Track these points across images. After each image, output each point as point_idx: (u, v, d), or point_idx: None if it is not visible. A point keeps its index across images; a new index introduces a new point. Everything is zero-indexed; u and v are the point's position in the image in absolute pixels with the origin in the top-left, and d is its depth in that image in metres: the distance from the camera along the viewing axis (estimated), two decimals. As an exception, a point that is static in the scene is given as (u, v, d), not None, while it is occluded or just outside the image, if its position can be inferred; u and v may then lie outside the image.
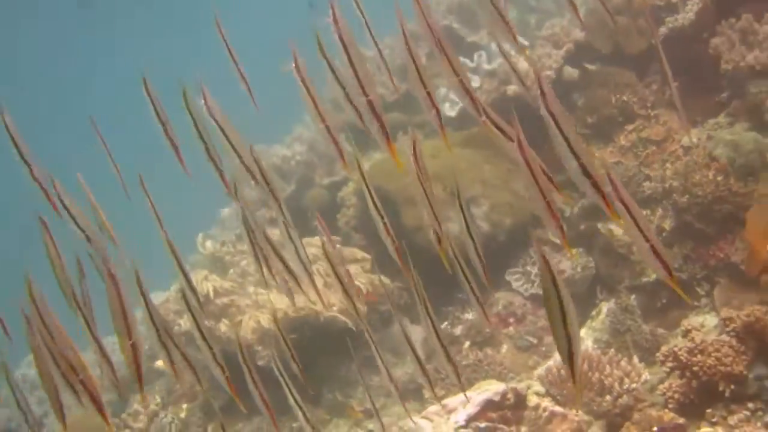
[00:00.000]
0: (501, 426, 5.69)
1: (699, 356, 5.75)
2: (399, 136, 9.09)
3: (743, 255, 6.65)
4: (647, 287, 7.26)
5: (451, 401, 6.05)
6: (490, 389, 5.95)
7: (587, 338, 7.36)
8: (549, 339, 7.46)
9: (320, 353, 7.92)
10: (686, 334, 6.28)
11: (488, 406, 5.79)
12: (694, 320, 7.02)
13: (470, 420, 5.67)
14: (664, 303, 7.22)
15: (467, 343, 7.54)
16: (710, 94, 7.94)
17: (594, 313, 7.54)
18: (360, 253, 8.51)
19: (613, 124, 8.21)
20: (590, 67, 8.58)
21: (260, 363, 7.58)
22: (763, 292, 5.05)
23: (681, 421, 5.61)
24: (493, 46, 8.75)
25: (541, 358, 7.42)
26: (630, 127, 8.12)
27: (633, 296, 7.32)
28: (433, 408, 6.08)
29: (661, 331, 7.08)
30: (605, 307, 7.45)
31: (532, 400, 6.15)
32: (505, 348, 7.54)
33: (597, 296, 7.62)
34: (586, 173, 3.05)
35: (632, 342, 6.97)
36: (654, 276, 7.21)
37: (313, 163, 9.69)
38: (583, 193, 7.50)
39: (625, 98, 8.14)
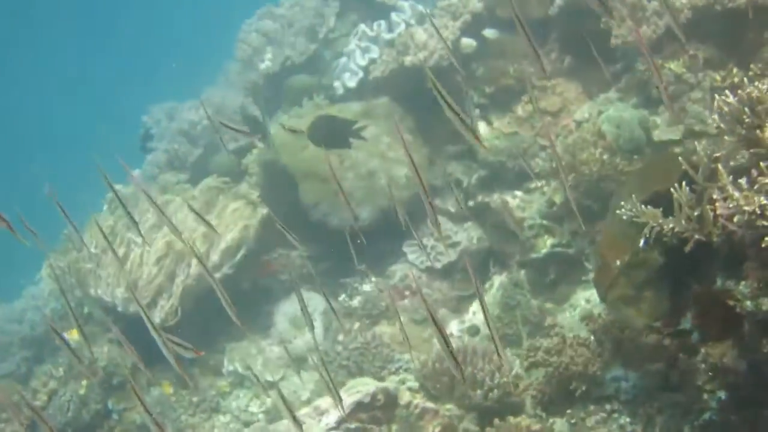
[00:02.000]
0: (371, 426, 5.97)
1: (555, 356, 6.05)
2: (304, 102, 9.22)
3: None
4: (537, 263, 7.55)
5: (323, 402, 6.31)
6: (361, 390, 6.21)
7: (478, 312, 7.67)
8: (442, 312, 7.75)
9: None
10: (549, 330, 6.60)
11: (359, 407, 6.06)
12: (581, 295, 7.36)
13: (341, 422, 5.94)
14: (552, 278, 7.49)
15: (357, 324, 7.77)
16: (606, 66, 8.14)
17: (487, 286, 7.82)
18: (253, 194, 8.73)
19: (511, 94, 8.40)
20: (489, 35, 8.74)
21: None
22: (611, 308, 5.31)
23: (537, 428, 5.86)
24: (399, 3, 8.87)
25: (435, 330, 7.68)
26: (525, 98, 8.32)
27: (523, 271, 7.60)
28: (305, 410, 6.33)
29: (549, 305, 7.40)
30: (497, 281, 7.74)
31: (405, 396, 6.42)
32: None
33: (490, 269, 7.87)
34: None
35: (521, 317, 7.26)
36: (543, 251, 7.50)
37: (219, 128, 9.78)
38: (480, 164, 7.82)
39: (522, 68, 8.33)
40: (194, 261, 7.81)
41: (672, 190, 4.31)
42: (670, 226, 4.20)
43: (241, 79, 10.92)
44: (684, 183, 4.35)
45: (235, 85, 11.30)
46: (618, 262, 4.97)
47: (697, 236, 4.15)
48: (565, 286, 7.50)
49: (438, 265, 7.98)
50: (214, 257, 8.04)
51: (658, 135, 7.24)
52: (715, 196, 4.14)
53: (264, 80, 10.63)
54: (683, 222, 4.21)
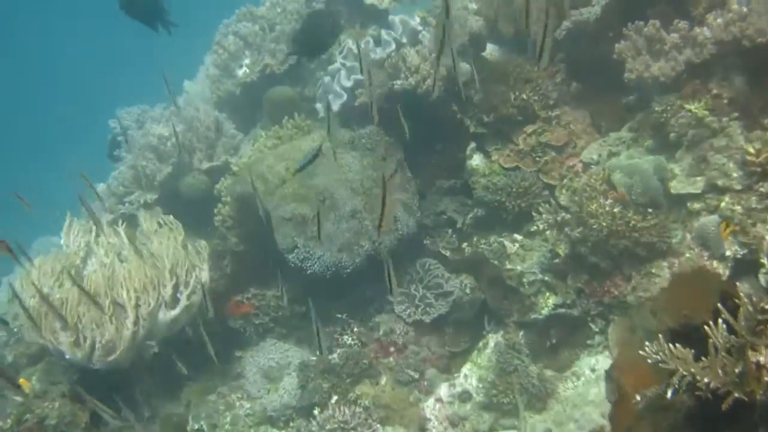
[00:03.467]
0: None
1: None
2: (284, 122, 8.58)
3: (637, 297, 6.41)
4: (537, 324, 7.00)
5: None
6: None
7: (471, 376, 7.10)
8: (430, 373, 7.18)
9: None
10: None
11: None
12: (585, 361, 6.78)
13: None
14: (554, 343, 6.91)
15: (335, 398, 7.15)
16: (616, 97, 7.52)
17: (481, 345, 7.27)
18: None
19: (512, 124, 7.76)
20: (489, 56, 8.07)
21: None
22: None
23: None
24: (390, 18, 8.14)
25: (422, 394, 7.13)
26: (529, 129, 7.69)
27: (521, 333, 7.01)
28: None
29: (549, 373, 6.82)
30: (492, 341, 7.15)
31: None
32: (384, 380, 7.22)
33: (485, 327, 7.28)
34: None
35: (519, 384, 6.68)
36: (544, 312, 6.91)
37: (191, 145, 9.11)
38: (476, 202, 7.19)
39: (525, 96, 7.69)
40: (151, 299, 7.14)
41: (705, 328, 3.63)
42: (705, 380, 3.54)
43: (216, 87, 10.22)
44: (720, 320, 3.69)
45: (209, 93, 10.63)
46: (638, 398, 4.32)
47: (737, 394, 3.49)
48: (568, 350, 6.95)
49: (427, 319, 7.35)
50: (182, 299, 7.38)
51: (675, 187, 6.60)
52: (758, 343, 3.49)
53: (240, 89, 9.95)
54: (720, 372, 3.56)
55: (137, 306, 7.06)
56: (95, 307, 6.92)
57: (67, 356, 6.96)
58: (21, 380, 7.38)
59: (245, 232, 8.08)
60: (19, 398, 7.24)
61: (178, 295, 7.39)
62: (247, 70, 9.94)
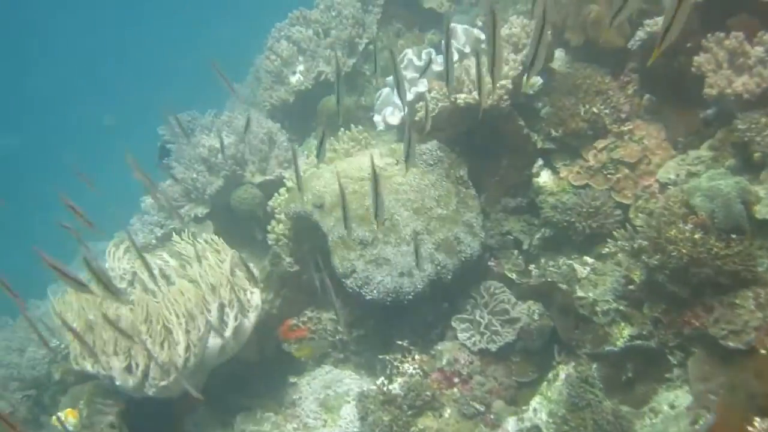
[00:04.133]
0: None
1: None
2: (339, 134, 8.30)
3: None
4: (611, 357, 6.63)
5: None
6: None
7: (541, 410, 6.77)
8: (497, 405, 6.86)
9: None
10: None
11: None
12: (664, 397, 6.43)
13: None
14: (630, 376, 6.56)
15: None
16: (692, 110, 7.13)
17: (551, 376, 6.94)
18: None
19: (582, 138, 7.40)
20: (558, 68, 7.70)
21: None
22: None
23: None
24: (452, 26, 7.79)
25: (488, 428, 6.81)
26: (600, 144, 7.33)
27: (594, 365, 6.66)
28: None
29: (625, 409, 6.47)
30: (563, 372, 6.82)
31: None
32: (448, 413, 6.90)
33: (555, 357, 6.94)
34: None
35: (592, 420, 6.34)
36: (620, 344, 6.56)
37: (243, 157, 8.85)
38: (543, 221, 6.87)
39: (595, 110, 7.32)
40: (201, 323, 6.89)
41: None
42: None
43: (269, 94, 9.94)
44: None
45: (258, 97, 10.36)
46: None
47: None
48: (645, 385, 6.58)
49: (493, 347, 7.02)
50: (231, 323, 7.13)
51: (760, 211, 6.20)
52: None
53: (294, 97, 9.67)
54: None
55: (187, 332, 6.81)
56: (128, 340, 6.71)
57: (118, 383, 6.73)
58: (68, 410, 7.18)
59: (300, 252, 7.81)
60: None
61: (225, 319, 7.12)
62: (301, 77, 9.67)
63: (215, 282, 7.17)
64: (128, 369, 6.74)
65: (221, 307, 7.07)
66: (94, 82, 39.55)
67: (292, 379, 7.74)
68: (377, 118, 8.10)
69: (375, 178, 4.91)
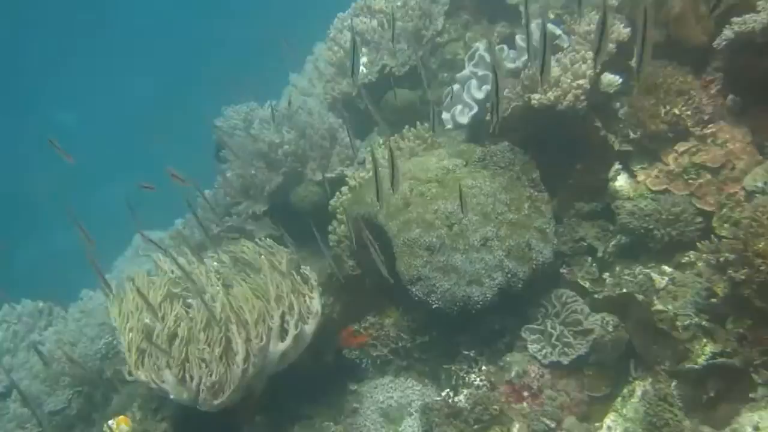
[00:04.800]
0: None
1: None
2: (404, 131, 8.06)
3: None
4: (692, 375, 6.31)
5: None
6: None
7: (616, 428, 6.50)
8: (569, 422, 6.60)
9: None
10: None
11: None
12: (747, 418, 6.12)
13: None
14: (711, 396, 6.24)
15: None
16: None
17: (626, 392, 6.65)
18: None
19: (662, 141, 7.08)
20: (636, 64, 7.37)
21: None
22: None
23: None
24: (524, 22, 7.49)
25: (560, 446, 6.56)
26: (681, 147, 7.00)
27: (674, 383, 6.36)
28: None
29: (706, 430, 6.18)
30: (639, 389, 6.53)
31: None
32: (516, 428, 6.65)
33: (631, 373, 6.65)
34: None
35: (670, 441, 6.07)
36: (701, 361, 6.26)
37: (304, 154, 8.62)
38: (619, 228, 6.59)
39: (676, 111, 6.99)
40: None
41: None
42: None
43: (331, 87, 9.72)
44: None
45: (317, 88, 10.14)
46: None
47: None
48: (727, 404, 6.25)
49: (565, 360, 6.75)
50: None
51: None
52: None
53: (357, 90, 9.43)
54: None
55: (248, 341, 6.61)
56: (164, 354, 6.52)
57: (172, 396, 6.54)
58: (121, 417, 7.02)
59: (363, 255, 7.57)
60: None
61: (285, 326, 6.91)
62: (364, 70, 9.41)
63: (275, 287, 6.95)
64: (183, 381, 6.52)
65: (282, 314, 6.85)
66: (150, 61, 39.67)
67: (353, 387, 7.52)
68: (446, 116, 7.84)
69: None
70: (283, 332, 6.88)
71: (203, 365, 6.48)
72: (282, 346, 6.84)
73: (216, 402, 6.47)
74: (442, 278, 6.64)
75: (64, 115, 37.60)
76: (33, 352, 11.86)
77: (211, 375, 6.44)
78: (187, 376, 6.49)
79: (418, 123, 8.26)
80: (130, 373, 6.71)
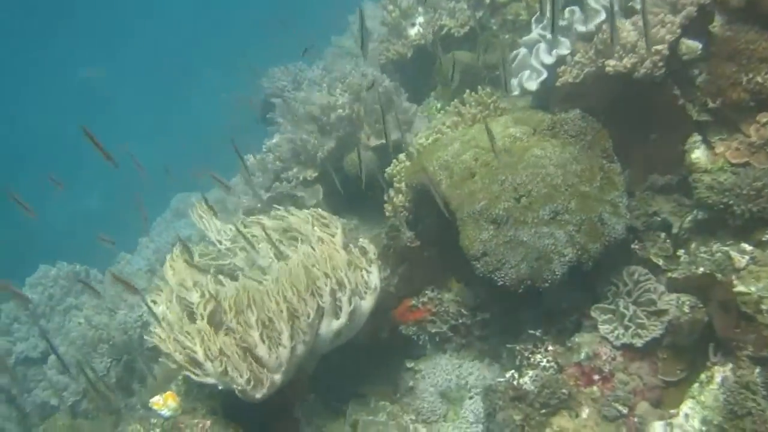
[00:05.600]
0: None
1: None
2: (465, 96, 7.72)
3: None
4: (777, 361, 5.97)
5: None
6: None
7: (693, 416, 6.18)
8: (642, 407, 6.31)
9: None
10: None
11: None
12: (839, 409, 5.82)
13: None
14: (800, 384, 5.94)
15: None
16: None
17: (704, 378, 6.31)
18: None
19: (743, 111, 6.70)
20: (717, 31, 6.99)
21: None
22: None
23: None
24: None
25: (631, 432, 6.26)
26: (764, 118, 6.63)
27: (757, 370, 6.03)
28: None
29: (791, 420, 5.84)
30: (719, 374, 6.20)
31: None
32: (585, 413, 6.35)
33: (710, 357, 6.32)
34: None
35: (753, 431, 5.75)
36: (790, 347, 5.94)
37: (359, 118, 8.31)
38: (696, 202, 6.26)
39: (759, 79, 6.60)
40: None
41: None
42: None
43: (385, 47, 9.39)
44: None
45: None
46: None
47: None
48: (817, 394, 5.92)
49: (638, 342, 6.44)
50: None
51: None
52: None
53: (412, 52, 9.09)
54: None
55: (294, 318, 6.31)
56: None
57: (220, 388, 6.27)
58: (168, 393, 6.76)
59: (422, 227, 7.28)
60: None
61: (339, 303, 6.61)
62: (421, 30, 9.06)
63: (327, 260, 6.66)
64: (226, 372, 6.23)
65: (334, 289, 6.55)
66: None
67: (409, 365, 7.26)
68: (514, 82, 7.47)
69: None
70: (337, 309, 6.59)
71: (244, 354, 6.19)
72: (336, 324, 6.56)
73: (260, 395, 6.20)
74: (508, 254, 6.32)
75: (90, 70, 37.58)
76: (69, 316, 11.71)
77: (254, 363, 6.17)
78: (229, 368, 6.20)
79: (479, 87, 7.92)
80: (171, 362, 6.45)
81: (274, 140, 9.09)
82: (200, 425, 6.50)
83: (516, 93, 7.48)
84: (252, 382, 6.13)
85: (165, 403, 6.67)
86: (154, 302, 6.83)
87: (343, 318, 6.58)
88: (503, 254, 6.34)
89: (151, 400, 6.77)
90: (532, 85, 7.25)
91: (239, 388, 6.10)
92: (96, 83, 36.99)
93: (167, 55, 37.78)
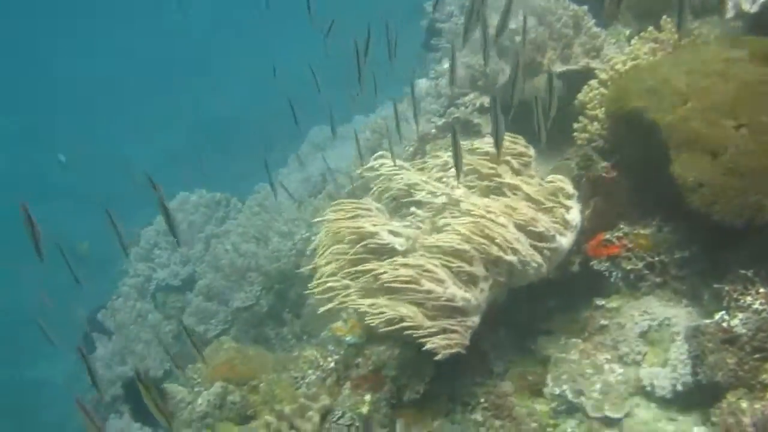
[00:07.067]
0: None
1: None
2: (662, 23, 7.29)
3: None
4: None
5: None
6: None
7: None
8: None
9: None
10: None
11: None
12: None
13: None
14: None
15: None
16: None
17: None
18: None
19: None
20: None
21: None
22: None
23: None
24: None
25: None
26: None
27: None
28: None
29: None
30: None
31: None
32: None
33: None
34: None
35: None
36: None
37: (543, 42, 7.90)
38: None
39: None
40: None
41: None
42: None
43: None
44: None
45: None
46: None
47: None
48: None
49: None
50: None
51: None
52: None
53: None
54: None
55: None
56: None
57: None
58: (352, 321, 6.52)
59: (621, 157, 6.89)
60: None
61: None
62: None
63: (529, 194, 6.36)
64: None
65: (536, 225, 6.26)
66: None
67: (599, 302, 6.90)
68: (731, 3, 7.01)
69: None
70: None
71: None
72: (535, 263, 6.27)
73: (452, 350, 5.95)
74: (729, 185, 5.89)
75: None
76: (210, 244, 11.62)
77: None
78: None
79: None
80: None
81: (444, 65, 8.76)
82: (388, 353, 6.28)
83: (729, 15, 7.01)
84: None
85: (350, 329, 6.44)
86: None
87: (541, 260, 6.30)
88: (722, 186, 5.93)
89: (331, 326, 6.56)
90: (752, 7, 6.78)
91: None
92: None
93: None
